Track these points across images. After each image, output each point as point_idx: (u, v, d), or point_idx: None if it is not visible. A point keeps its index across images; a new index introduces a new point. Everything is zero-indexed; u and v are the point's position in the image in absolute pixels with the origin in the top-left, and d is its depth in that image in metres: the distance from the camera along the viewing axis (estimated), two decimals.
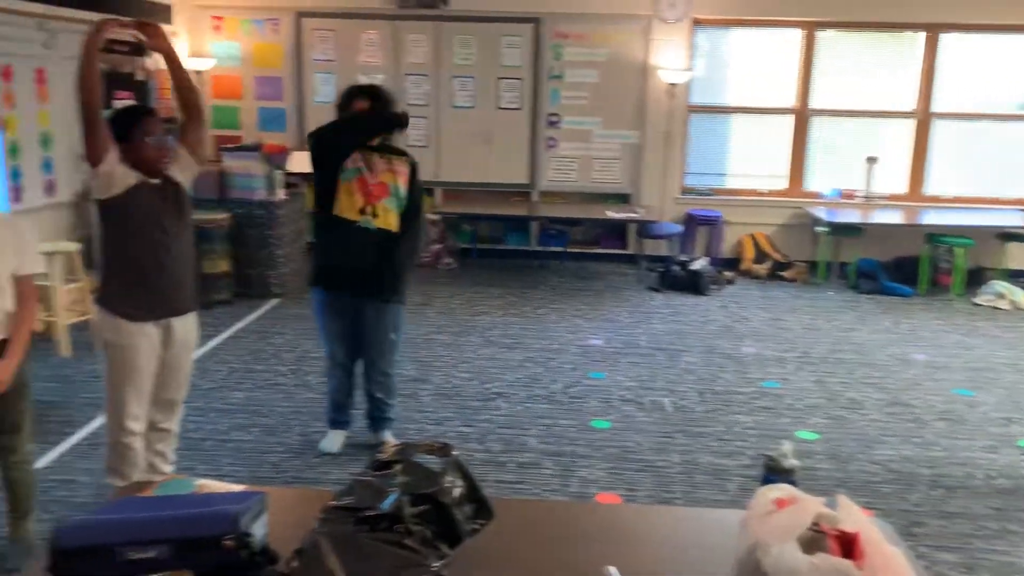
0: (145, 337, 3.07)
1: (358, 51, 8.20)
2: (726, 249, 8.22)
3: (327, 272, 3.82)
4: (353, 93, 3.72)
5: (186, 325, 3.22)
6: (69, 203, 6.39)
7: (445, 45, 8.12)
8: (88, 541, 1.50)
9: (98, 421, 4.28)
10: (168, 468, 3.34)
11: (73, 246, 5.52)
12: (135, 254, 3.03)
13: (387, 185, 3.72)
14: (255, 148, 7.12)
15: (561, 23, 8.03)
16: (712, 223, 8.11)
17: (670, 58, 7.94)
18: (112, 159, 2.94)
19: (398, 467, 1.70)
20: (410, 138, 8.18)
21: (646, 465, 3.97)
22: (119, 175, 2.96)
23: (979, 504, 3.66)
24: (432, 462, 1.71)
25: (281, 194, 6.82)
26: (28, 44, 5.89)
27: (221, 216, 6.48)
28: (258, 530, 1.63)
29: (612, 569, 1.70)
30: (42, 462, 3.83)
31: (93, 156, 2.92)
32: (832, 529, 1.36)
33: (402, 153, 3.81)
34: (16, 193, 5.78)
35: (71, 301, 5.45)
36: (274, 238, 6.72)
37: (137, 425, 3.15)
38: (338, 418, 4.10)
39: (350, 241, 3.69)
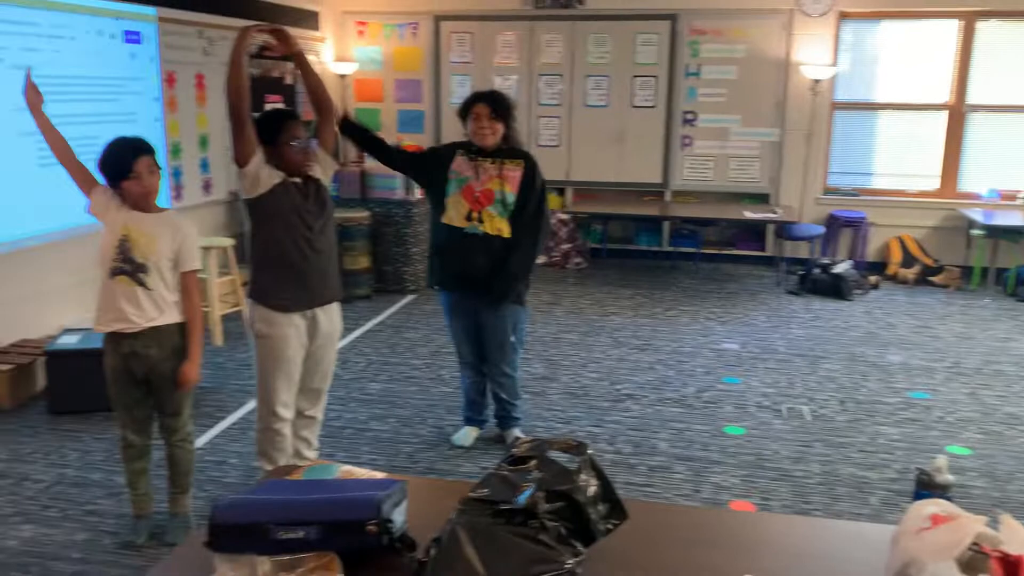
0: (293, 328, 3.23)
1: (494, 52, 8.32)
2: (871, 252, 7.84)
3: (443, 275, 3.91)
4: (471, 100, 3.76)
5: (330, 316, 3.37)
6: (224, 201, 6.80)
7: (579, 44, 8.12)
8: (243, 519, 1.59)
9: (248, 407, 4.54)
10: (312, 454, 3.51)
11: (227, 241, 5.86)
12: (282, 249, 3.18)
13: (492, 192, 3.73)
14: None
15: (698, 19, 7.87)
16: (856, 225, 7.74)
17: (813, 53, 7.63)
18: (258, 160, 3.11)
19: (533, 463, 1.72)
20: (541, 138, 8.25)
21: (783, 474, 3.84)
22: (264, 176, 3.13)
23: None
24: (567, 460, 1.71)
25: (418, 193, 7.01)
26: (189, 52, 6.30)
27: (362, 214, 6.74)
28: (398, 517, 1.68)
29: None
30: (197, 444, 4.09)
31: (241, 157, 3.11)
32: (995, 550, 1.27)
33: (519, 156, 3.79)
34: (177, 191, 6.20)
35: (224, 293, 5.80)
36: (410, 236, 6.93)
37: (286, 412, 3.32)
38: (472, 415, 4.19)
39: (460, 246, 3.77)
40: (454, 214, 3.76)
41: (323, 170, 3.30)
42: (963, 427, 4.36)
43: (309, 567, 1.57)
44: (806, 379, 5.05)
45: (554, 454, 1.74)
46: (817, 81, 7.57)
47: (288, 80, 7.67)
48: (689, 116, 8.08)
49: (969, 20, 7.49)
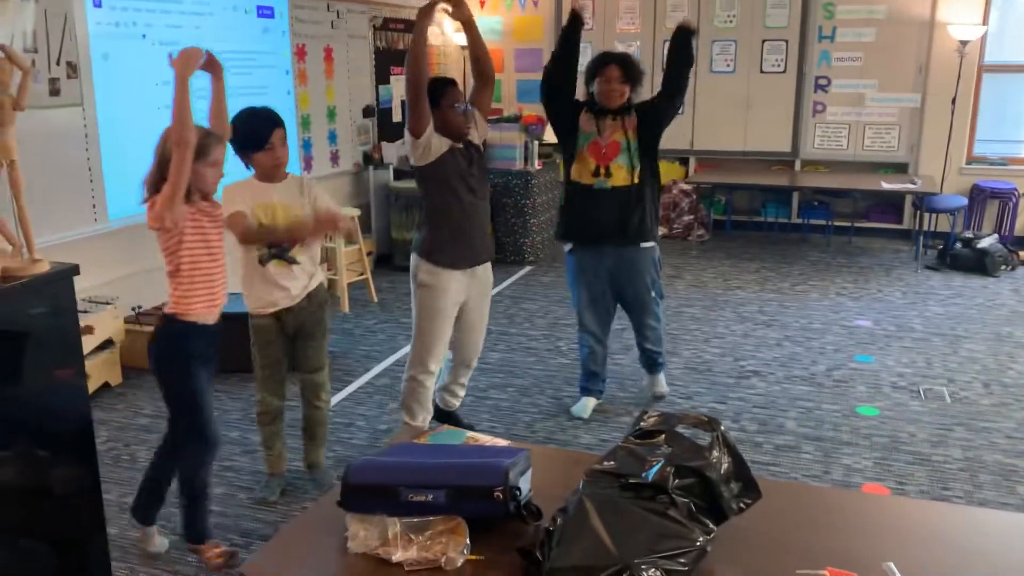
0: (455, 282, 3.46)
1: (617, 18, 8.16)
2: (1020, 226, 7.29)
3: (573, 231, 3.96)
4: (603, 61, 3.81)
5: (486, 272, 3.63)
6: (350, 172, 6.98)
7: (706, 8, 7.85)
8: (375, 480, 1.63)
9: (374, 371, 4.67)
10: (457, 403, 3.83)
11: (353, 211, 6.02)
12: (450, 212, 3.42)
13: (619, 143, 3.79)
14: (514, 120, 7.33)
15: None
16: (1004, 196, 7.22)
17: (961, 12, 7.11)
18: (430, 130, 3.31)
19: (662, 437, 1.68)
20: None
21: (920, 458, 3.64)
22: (435, 144, 3.34)
23: None
24: (697, 435, 1.67)
25: (537, 164, 6.99)
26: (318, 26, 6.46)
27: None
28: (524, 485, 1.68)
29: (891, 565, 1.57)
30: None
31: (417, 128, 3.29)
32: None
33: (631, 109, 3.82)
34: (307, 163, 6.40)
35: (351, 262, 5.96)
36: (529, 207, 6.92)
37: (434, 366, 3.53)
38: (590, 386, 4.15)
39: (589, 202, 3.84)
40: (582, 169, 3.84)
41: (479, 134, 3.49)
42: None
43: (437, 530, 1.60)
44: (946, 359, 4.76)
45: (683, 429, 1.70)
46: (964, 42, 7.05)
47: None
48: (822, 82, 7.71)
49: None
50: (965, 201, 7.18)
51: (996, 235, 6.92)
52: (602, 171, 3.79)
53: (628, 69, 3.76)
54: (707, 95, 7.99)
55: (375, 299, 5.98)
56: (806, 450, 3.73)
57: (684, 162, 8.22)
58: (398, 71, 7.46)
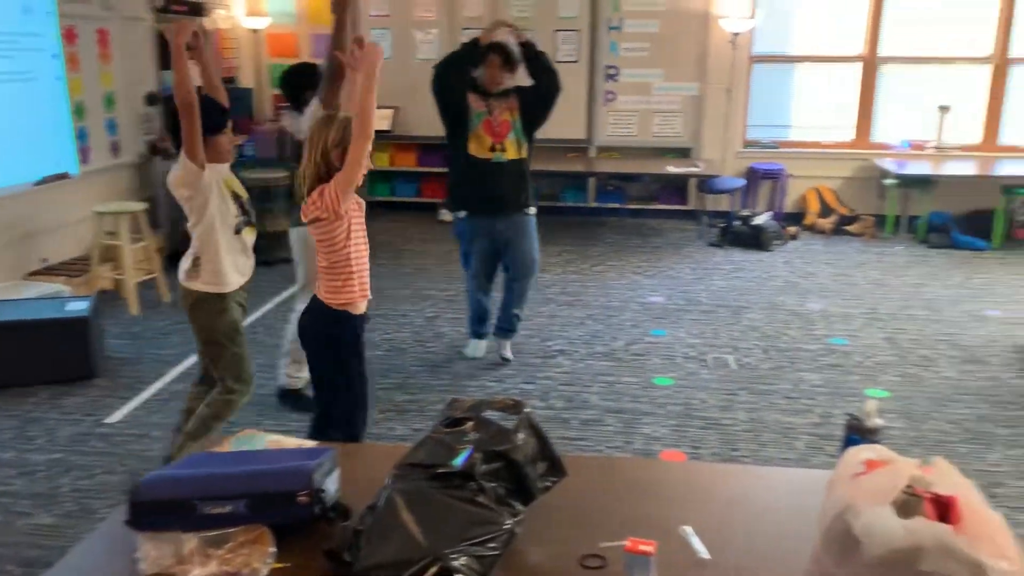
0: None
1: (413, 5, 8.12)
2: (789, 203, 8.00)
3: (468, 200, 4.43)
4: (485, 51, 4.27)
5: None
6: (134, 164, 6.50)
7: None
8: (166, 495, 1.52)
9: (169, 376, 4.38)
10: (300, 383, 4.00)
11: (139, 206, 5.61)
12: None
13: (509, 123, 4.33)
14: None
15: None
16: (775, 177, 7.89)
17: (732, 6, 7.67)
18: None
19: (469, 424, 1.69)
20: None
21: (711, 423, 3.91)
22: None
23: None
24: (504, 419, 1.69)
25: None
26: (88, 5, 5.94)
27: (281, 175, 6.53)
28: (331, 485, 1.63)
29: (688, 528, 1.67)
30: (114, 417, 3.94)
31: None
32: (927, 492, 1.30)
33: (512, 92, 4.37)
34: (84, 154, 5.89)
35: (138, 260, 5.56)
36: None
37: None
38: (480, 331, 4.72)
39: (487, 174, 4.33)
40: (479, 146, 4.31)
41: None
42: (881, 371, 4.51)
43: (238, 541, 1.52)
44: (730, 329, 5.15)
45: (491, 414, 1.72)
46: (736, 34, 7.61)
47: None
48: (612, 71, 8.05)
49: None
50: (742, 182, 7.78)
51: (770, 212, 7.54)
52: (497, 147, 4.32)
53: (508, 57, 4.28)
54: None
55: (167, 298, 5.62)
56: (609, 423, 3.90)
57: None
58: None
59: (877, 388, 4.27)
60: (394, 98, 8.09)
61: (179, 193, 3.05)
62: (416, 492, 1.56)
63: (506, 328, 4.68)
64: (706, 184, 7.60)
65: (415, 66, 8.17)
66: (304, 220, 2.59)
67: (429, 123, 8.43)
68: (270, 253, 6.14)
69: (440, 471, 1.58)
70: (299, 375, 3.95)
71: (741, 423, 3.90)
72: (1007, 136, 7.78)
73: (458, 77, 4.28)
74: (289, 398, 4.01)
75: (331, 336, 2.73)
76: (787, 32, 7.94)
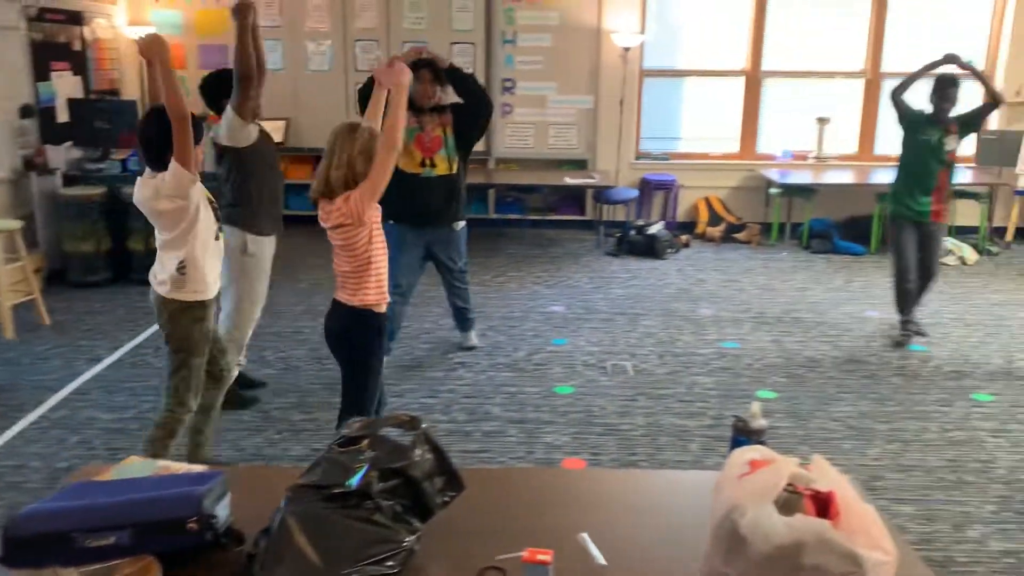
0: (270, 247, 4.09)
1: (305, 16, 8.00)
2: (681, 213, 8.25)
3: (398, 212, 4.31)
4: (416, 65, 4.21)
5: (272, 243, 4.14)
6: (8, 180, 6.16)
7: (395, 9, 7.95)
8: (43, 528, 1.45)
9: (50, 403, 4.17)
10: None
11: (15, 224, 5.31)
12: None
13: (439, 138, 4.41)
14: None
15: None
16: (667, 187, 8.12)
17: (623, 21, 7.87)
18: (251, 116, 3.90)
19: (365, 442, 1.67)
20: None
21: (610, 428, 3.98)
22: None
23: (935, 456, 3.74)
24: (400, 436, 1.68)
25: None
26: None
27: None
28: (222, 511, 1.58)
29: (585, 535, 1.69)
30: None
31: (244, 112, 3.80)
32: (807, 489, 1.36)
33: (446, 108, 4.46)
34: None
35: (14, 282, 5.27)
36: None
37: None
38: (390, 345, 4.59)
39: (417, 189, 4.38)
40: (409, 161, 4.35)
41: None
42: (769, 372, 4.70)
43: (124, 573, 1.45)
44: (627, 336, 5.26)
45: (387, 431, 1.70)
46: (627, 49, 7.81)
47: (76, 47, 7.02)
48: (508, 84, 8.13)
49: None
50: (636, 193, 7.97)
51: (663, 222, 7.75)
52: (427, 162, 4.41)
53: (437, 73, 4.34)
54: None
55: (47, 321, 5.34)
56: (511, 433, 3.92)
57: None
58: (60, 66, 6.71)
59: (766, 389, 4.45)
60: (285, 109, 7.96)
61: (163, 205, 2.96)
62: (311, 514, 1.53)
63: (462, 322, 5.00)
64: (602, 195, 7.76)
65: (307, 77, 8.06)
66: (325, 225, 2.80)
67: (324, 134, 8.40)
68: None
69: (335, 491, 1.56)
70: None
71: (639, 428, 3.99)
72: (880, 146, 8.24)
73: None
74: None
75: (355, 335, 2.97)
76: (676, 47, 8.20)
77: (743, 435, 1.80)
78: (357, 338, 2.97)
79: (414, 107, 4.32)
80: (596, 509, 1.87)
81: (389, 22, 7.94)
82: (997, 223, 7.89)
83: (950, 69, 4.97)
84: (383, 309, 2.95)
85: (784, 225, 7.90)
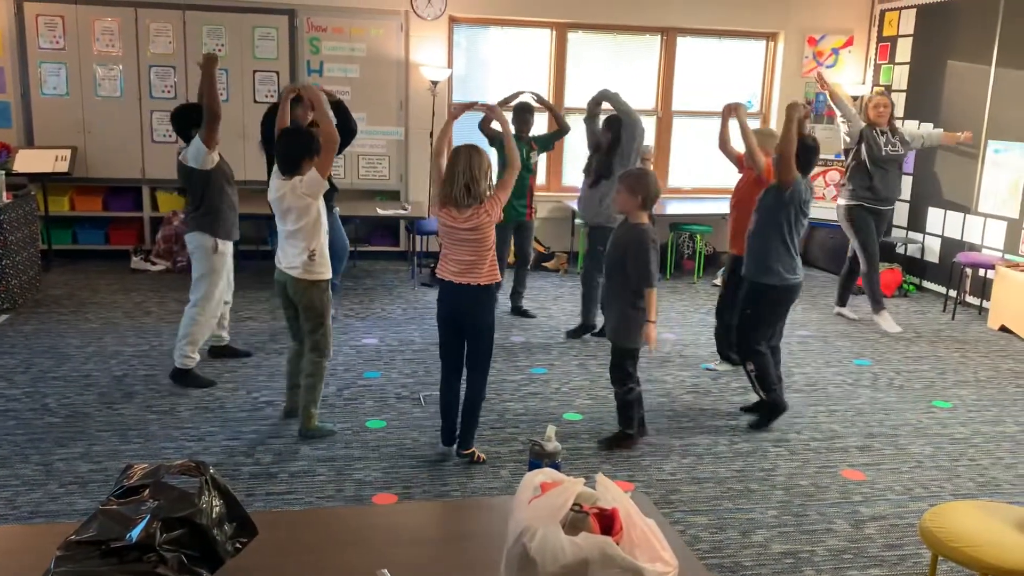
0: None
1: (94, 39, 7.51)
2: None
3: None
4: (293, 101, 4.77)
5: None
6: None
7: (193, 35, 7.64)
8: None
9: None
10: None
11: None
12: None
13: None
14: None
15: (316, 15, 7.82)
16: None
17: (430, 55, 7.99)
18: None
19: (147, 491, 1.57)
20: (157, 133, 7.65)
21: (422, 460, 3.97)
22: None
23: (724, 468, 4.02)
24: (185, 483, 1.59)
25: (5, 197, 6.10)
26: None
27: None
28: None
29: (384, 572, 1.67)
30: None
31: (212, 143, 4.71)
32: (592, 508, 1.41)
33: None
34: None
35: None
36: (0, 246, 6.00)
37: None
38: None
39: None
40: None
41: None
42: (576, 395, 4.87)
43: None
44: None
45: (170, 478, 1.61)
46: (435, 82, 7.93)
47: None
48: None
49: (560, 30, 8.37)
50: None
51: None
52: None
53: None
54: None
55: None
56: (320, 472, 3.82)
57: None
58: None
59: (573, 412, 4.61)
60: (70, 137, 7.42)
61: (304, 202, 3.94)
62: (86, 573, 1.41)
63: None
64: (415, 225, 7.78)
65: (96, 103, 7.56)
66: (462, 226, 3.68)
67: (116, 164, 7.90)
68: None
69: (114, 546, 1.45)
70: (194, 356, 4.78)
71: (451, 458, 4.00)
72: (673, 179, 8.83)
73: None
74: (181, 376, 4.79)
75: (489, 306, 3.86)
76: (485, 81, 8.41)
77: (538, 458, 1.85)
78: (490, 307, 3.84)
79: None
80: (403, 544, 1.85)
81: (186, 48, 7.61)
82: None
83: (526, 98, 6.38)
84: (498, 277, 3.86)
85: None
